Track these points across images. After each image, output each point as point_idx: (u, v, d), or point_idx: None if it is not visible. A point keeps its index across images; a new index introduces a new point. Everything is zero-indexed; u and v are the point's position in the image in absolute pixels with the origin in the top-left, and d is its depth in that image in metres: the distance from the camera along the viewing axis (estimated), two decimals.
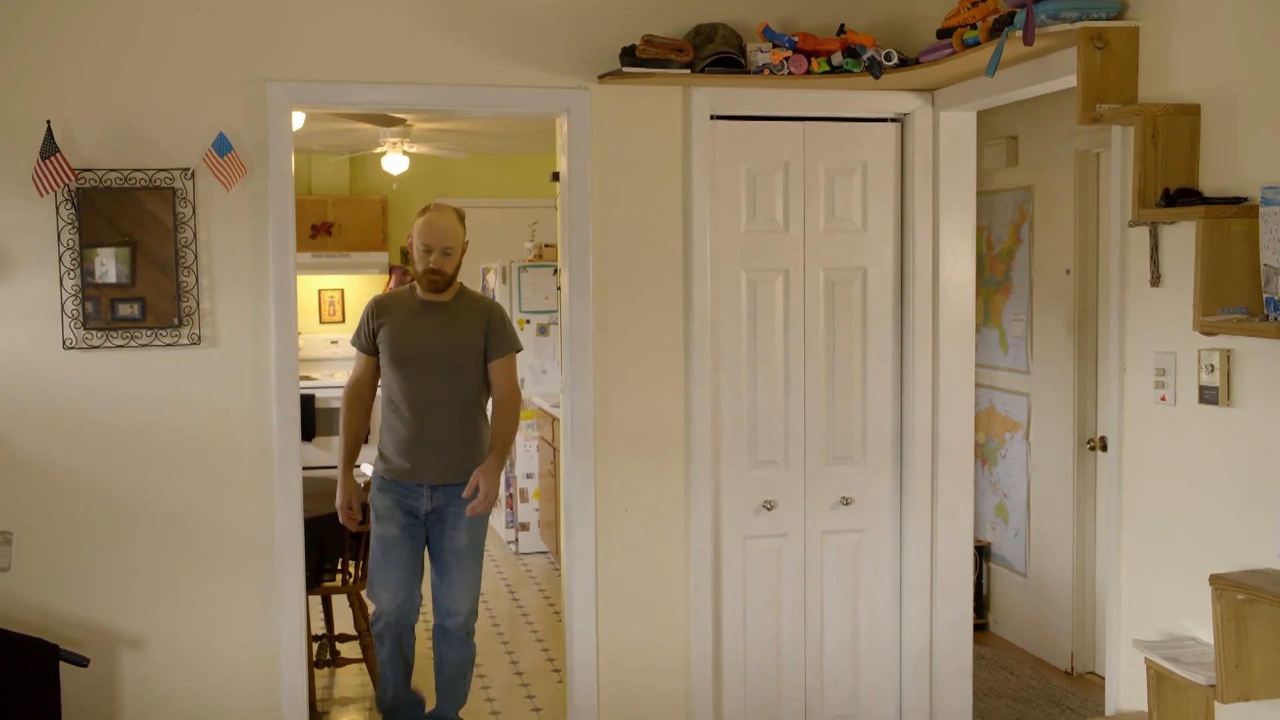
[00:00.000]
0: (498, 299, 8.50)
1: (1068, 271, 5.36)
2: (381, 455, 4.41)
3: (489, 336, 4.35)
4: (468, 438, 4.35)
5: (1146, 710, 3.15)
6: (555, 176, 4.47)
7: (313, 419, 9.20)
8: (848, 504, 4.48)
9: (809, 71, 4.07)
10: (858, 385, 4.48)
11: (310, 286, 9.72)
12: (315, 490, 4.99)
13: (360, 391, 4.53)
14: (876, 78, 4.03)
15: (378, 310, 4.45)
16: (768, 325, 4.39)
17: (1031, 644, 5.69)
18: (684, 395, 4.29)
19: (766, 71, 4.06)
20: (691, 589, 4.32)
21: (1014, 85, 3.90)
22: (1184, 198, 3.01)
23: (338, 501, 4.47)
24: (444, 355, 4.32)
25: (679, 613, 4.33)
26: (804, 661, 4.49)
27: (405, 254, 9.94)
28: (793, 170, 4.39)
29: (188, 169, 3.88)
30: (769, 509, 4.41)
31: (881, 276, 4.48)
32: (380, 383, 4.47)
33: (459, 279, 4.44)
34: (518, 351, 4.45)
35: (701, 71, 4.04)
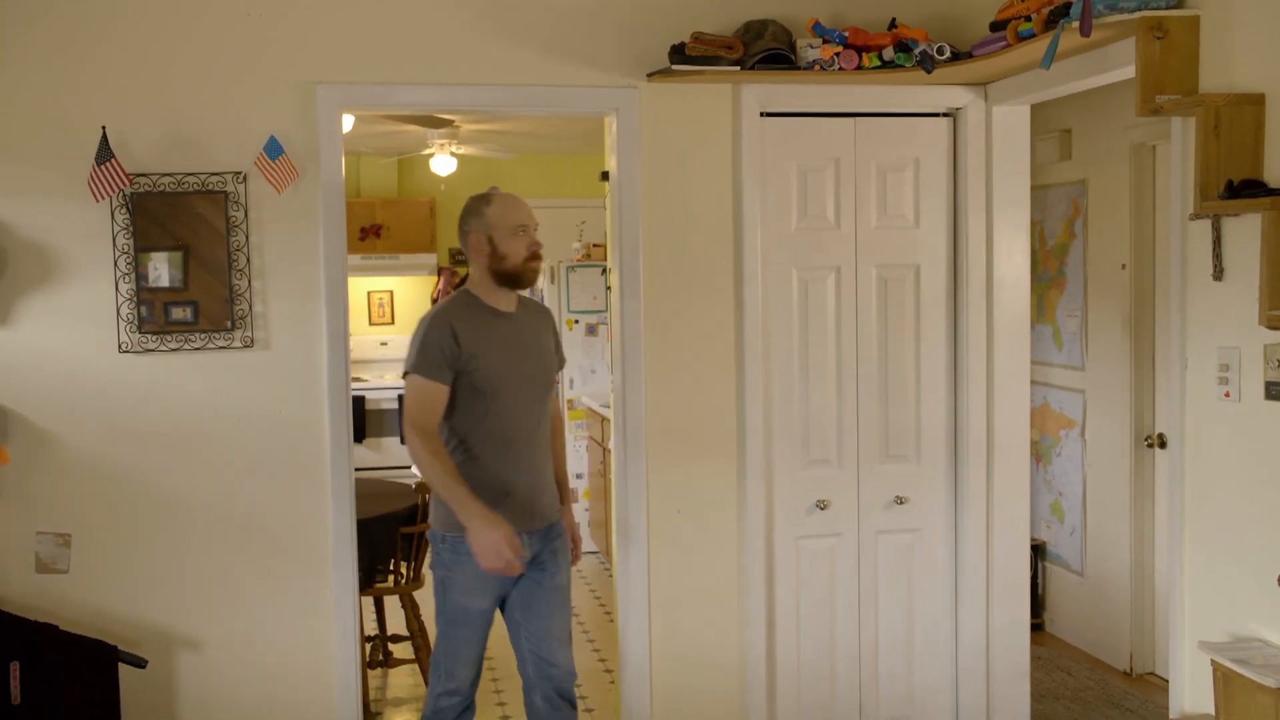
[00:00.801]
0: (546, 300, 8.52)
1: (1123, 266, 5.28)
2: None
3: (557, 350, 3.84)
4: (549, 473, 3.75)
5: (1213, 713, 3.10)
6: (604, 176, 4.46)
7: (363, 421, 9.25)
8: (902, 503, 4.44)
9: (860, 67, 4.03)
10: (911, 383, 4.43)
11: (360, 288, 9.77)
12: (367, 491, 5.01)
13: (438, 432, 3.53)
14: (929, 72, 3.98)
15: (460, 328, 3.53)
16: (820, 323, 4.35)
17: (1089, 644, 5.61)
18: (736, 394, 4.26)
19: (817, 67, 4.02)
20: (745, 589, 4.29)
21: (1070, 78, 3.83)
22: (1249, 189, 2.95)
23: (495, 555, 3.38)
24: (535, 377, 3.67)
25: (732, 613, 4.30)
26: (858, 661, 4.45)
27: (456, 256, 9.98)
28: (844, 167, 4.35)
29: (240, 173, 3.90)
30: (822, 508, 4.37)
31: (934, 273, 4.43)
32: (454, 419, 3.56)
33: None
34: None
35: (751, 68, 4.01)
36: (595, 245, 8.42)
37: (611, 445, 4.46)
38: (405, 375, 3.52)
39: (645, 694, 4.25)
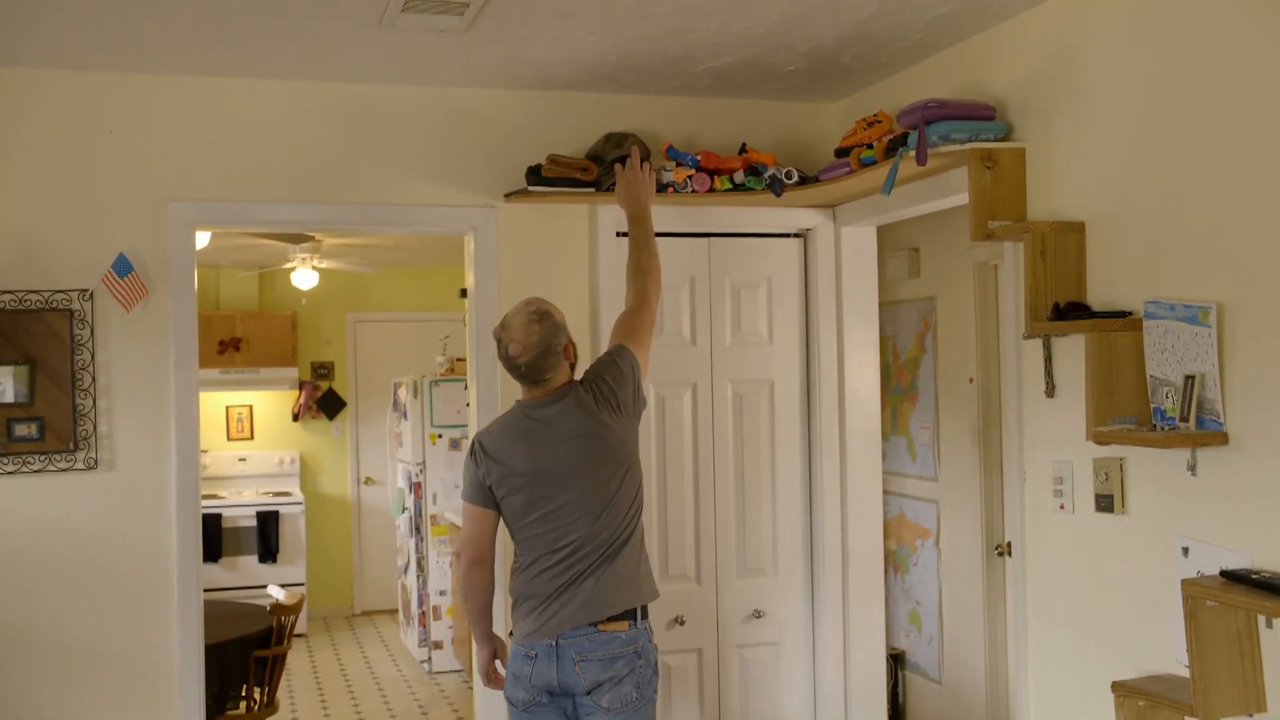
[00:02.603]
0: (408, 415, 8.45)
1: (971, 380, 5.47)
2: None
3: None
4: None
5: None
6: (464, 293, 4.48)
7: (219, 539, 8.98)
8: (760, 617, 4.47)
9: (712, 189, 4.16)
10: (767, 496, 4.50)
11: (218, 403, 9.56)
12: (220, 613, 4.87)
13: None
14: (778, 195, 4.13)
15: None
16: (676, 438, 4.41)
17: None
18: None
19: (671, 190, 4.14)
20: None
21: (911, 202, 4.02)
22: (1073, 311, 3.11)
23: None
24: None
25: None
26: None
27: (317, 370, 9.84)
28: (699, 285, 4.46)
29: (86, 290, 3.83)
30: (681, 624, 4.38)
31: (788, 388, 4.54)
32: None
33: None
34: None
35: (607, 190, 4.10)
36: (459, 359, 8.41)
37: None
38: (636, 363, 3.49)
39: None
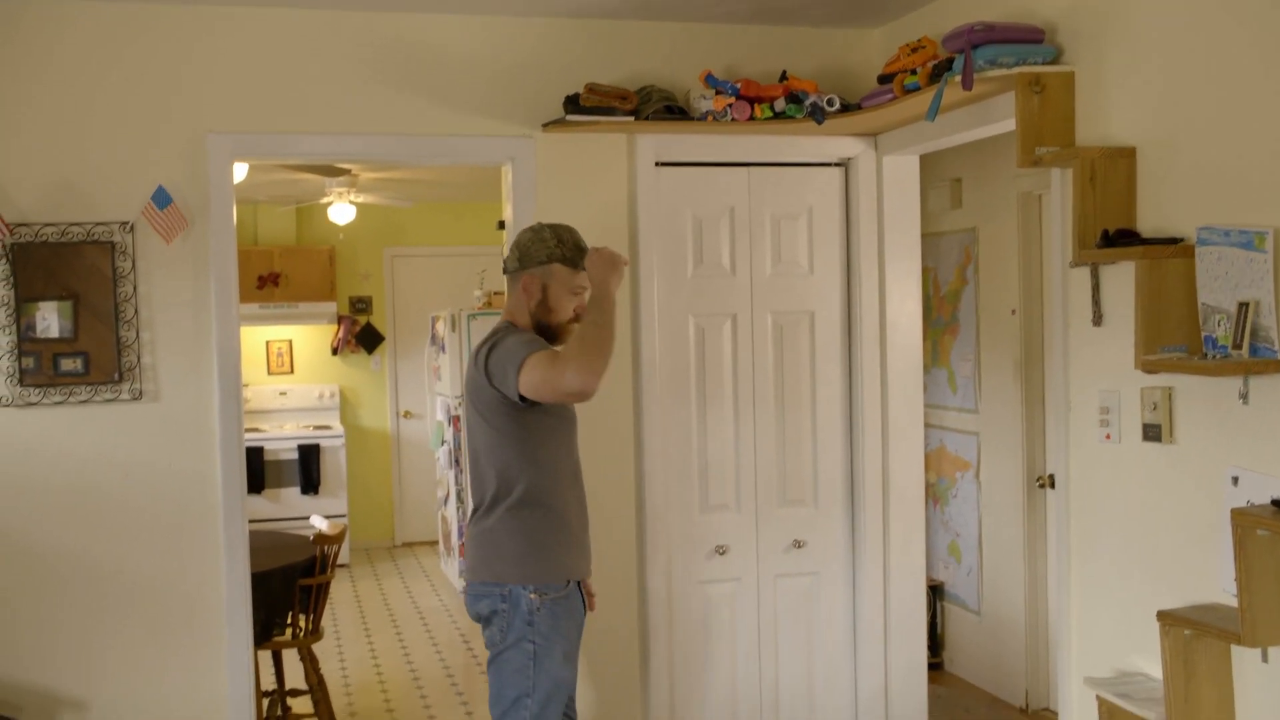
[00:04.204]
0: (446, 349, 8.47)
1: (1013, 312, 5.41)
2: (564, 557, 3.24)
3: None
4: None
5: None
6: (501, 225, 4.47)
7: (261, 472, 9.08)
8: (800, 547, 4.48)
9: (752, 117, 4.11)
10: (807, 427, 4.48)
11: (258, 337, 9.62)
12: (264, 544, 4.93)
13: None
14: (819, 123, 4.07)
15: None
16: (717, 369, 4.39)
17: (987, 682, 5.69)
18: (634, 441, 4.28)
19: (710, 118, 4.09)
20: (646, 633, 4.29)
21: (955, 129, 3.95)
22: (1123, 239, 3.06)
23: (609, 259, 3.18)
24: (575, 415, 3.43)
25: (633, 657, 4.29)
26: (760, 705, 4.46)
27: (356, 305, 9.89)
28: (739, 215, 4.41)
29: (127, 223, 3.83)
30: (721, 553, 4.40)
31: (829, 319, 4.51)
32: (531, 455, 3.20)
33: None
34: None
35: (646, 118, 4.06)
36: (496, 293, 8.40)
37: None
38: (521, 369, 3.02)
39: None
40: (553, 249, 3.23)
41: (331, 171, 7.53)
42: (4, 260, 3.75)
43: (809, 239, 4.49)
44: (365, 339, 9.91)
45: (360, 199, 8.42)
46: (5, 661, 3.78)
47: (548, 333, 3.26)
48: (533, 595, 3.14)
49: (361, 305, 9.94)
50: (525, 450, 3.19)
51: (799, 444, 4.47)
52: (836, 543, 4.53)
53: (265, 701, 5.16)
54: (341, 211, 8.35)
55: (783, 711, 4.48)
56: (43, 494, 3.81)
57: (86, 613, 3.85)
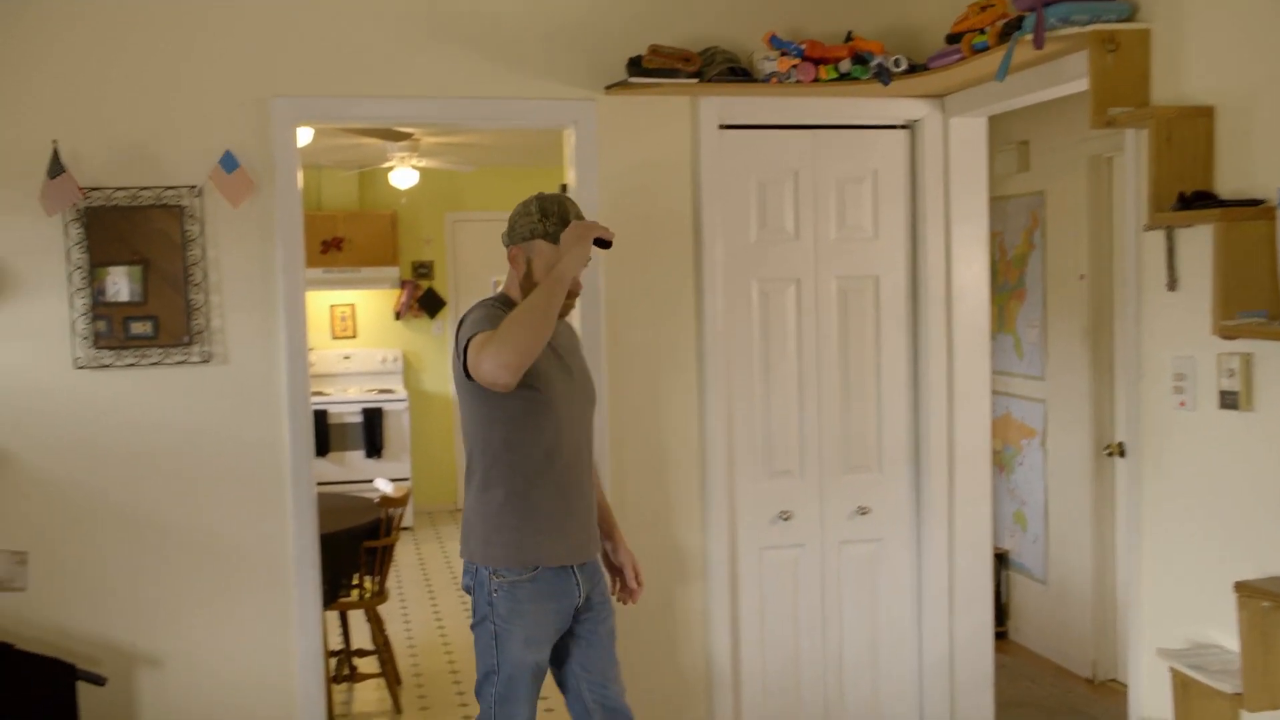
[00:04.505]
0: None
1: (1082, 277, 5.32)
2: (526, 541, 3.14)
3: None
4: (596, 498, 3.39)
5: (1172, 719, 3.11)
6: (563, 189, 4.45)
7: (326, 435, 9.19)
8: (864, 513, 4.45)
9: (817, 79, 4.05)
10: (872, 393, 4.45)
11: (322, 302, 9.71)
12: (329, 506, 4.98)
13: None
14: (885, 84, 4.01)
15: None
16: (780, 334, 4.36)
17: (1052, 651, 5.64)
18: (697, 405, 4.27)
19: (774, 80, 4.04)
20: (709, 599, 4.29)
21: (1024, 90, 3.87)
22: (1200, 201, 2.98)
23: (588, 230, 3.14)
24: (584, 390, 3.30)
25: (696, 624, 4.30)
26: (823, 672, 4.45)
27: (418, 270, 9.94)
28: (803, 179, 4.36)
29: (195, 186, 3.87)
30: (785, 519, 4.38)
31: (894, 284, 4.45)
32: (497, 441, 3.15)
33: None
34: None
35: (709, 80, 4.02)
36: None
37: None
38: (467, 349, 2.96)
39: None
40: (535, 224, 3.16)
41: (393, 136, 7.55)
42: (78, 224, 3.80)
43: (874, 203, 4.44)
44: (427, 304, 9.97)
45: (422, 163, 8.44)
46: (84, 618, 3.86)
47: None
48: (493, 577, 3.12)
49: (424, 270, 9.99)
50: (493, 431, 3.12)
51: (863, 410, 4.44)
52: (901, 509, 4.50)
53: (333, 661, 5.25)
54: (404, 176, 8.38)
55: (846, 678, 4.47)
56: (117, 454, 3.88)
57: (161, 571, 3.92)
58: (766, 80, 4.04)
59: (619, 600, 3.47)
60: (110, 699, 3.85)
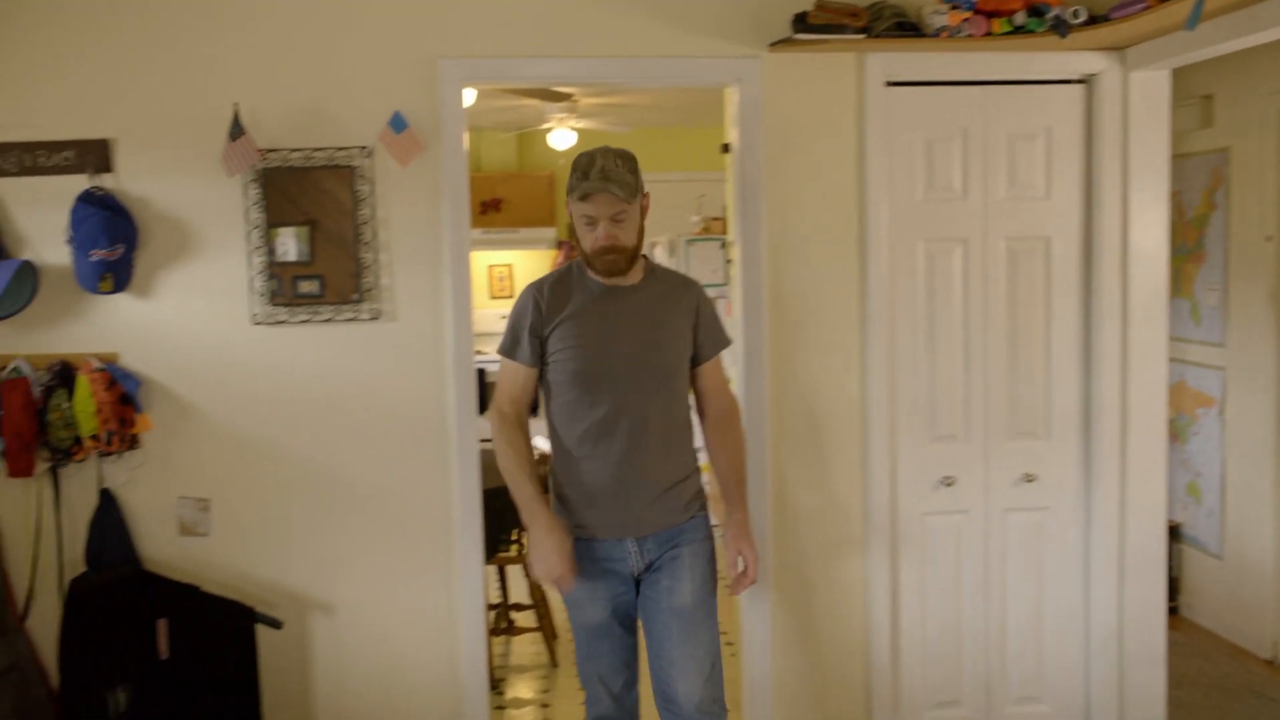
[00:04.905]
0: None
1: (1269, 238, 5.06)
2: (571, 507, 3.27)
3: (699, 329, 3.30)
4: (685, 468, 3.30)
5: None
6: (725, 148, 4.41)
7: (484, 393, 9.36)
8: (1030, 480, 4.33)
9: (989, 33, 3.92)
10: (1041, 358, 4.31)
11: (480, 262, 9.87)
12: (489, 463, 5.07)
13: (522, 419, 3.33)
14: (1063, 37, 3.85)
15: (546, 303, 3.26)
16: (946, 296, 4.26)
17: (1228, 629, 5.42)
18: (859, 367, 4.20)
19: (944, 34, 3.92)
20: (868, 564, 4.24)
21: (1214, 40, 3.67)
22: None
23: (544, 565, 3.16)
24: (649, 360, 3.21)
25: (855, 589, 4.25)
26: (985, 641, 4.36)
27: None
28: (971, 137, 4.24)
29: (365, 147, 3.95)
30: (948, 485, 4.29)
31: (1066, 245, 4.30)
32: (548, 408, 3.33)
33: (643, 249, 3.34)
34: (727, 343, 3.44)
35: (876, 36, 3.92)
36: (714, 218, 8.38)
37: None
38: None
39: (766, 666, 4.23)
40: (569, 183, 3.18)
41: (552, 97, 7.61)
42: (256, 184, 3.93)
43: (1046, 161, 4.28)
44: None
45: (580, 124, 8.49)
46: (262, 564, 4.02)
47: (590, 264, 3.23)
48: None
49: None
50: (549, 400, 3.32)
51: (1031, 374, 4.31)
52: (1070, 477, 4.36)
53: (491, 614, 5.36)
54: (562, 137, 8.45)
55: (1009, 648, 4.37)
56: (291, 408, 4.01)
57: (332, 522, 4.05)
58: (936, 35, 3.93)
59: (727, 589, 3.37)
60: (285, 641, 4.01)
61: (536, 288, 3.29)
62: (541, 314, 3.24)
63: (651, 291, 3.28)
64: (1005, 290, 4.28)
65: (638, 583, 3.28)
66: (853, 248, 4.18)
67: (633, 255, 3.21)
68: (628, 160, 3.17)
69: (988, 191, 4.26)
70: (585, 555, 3.23)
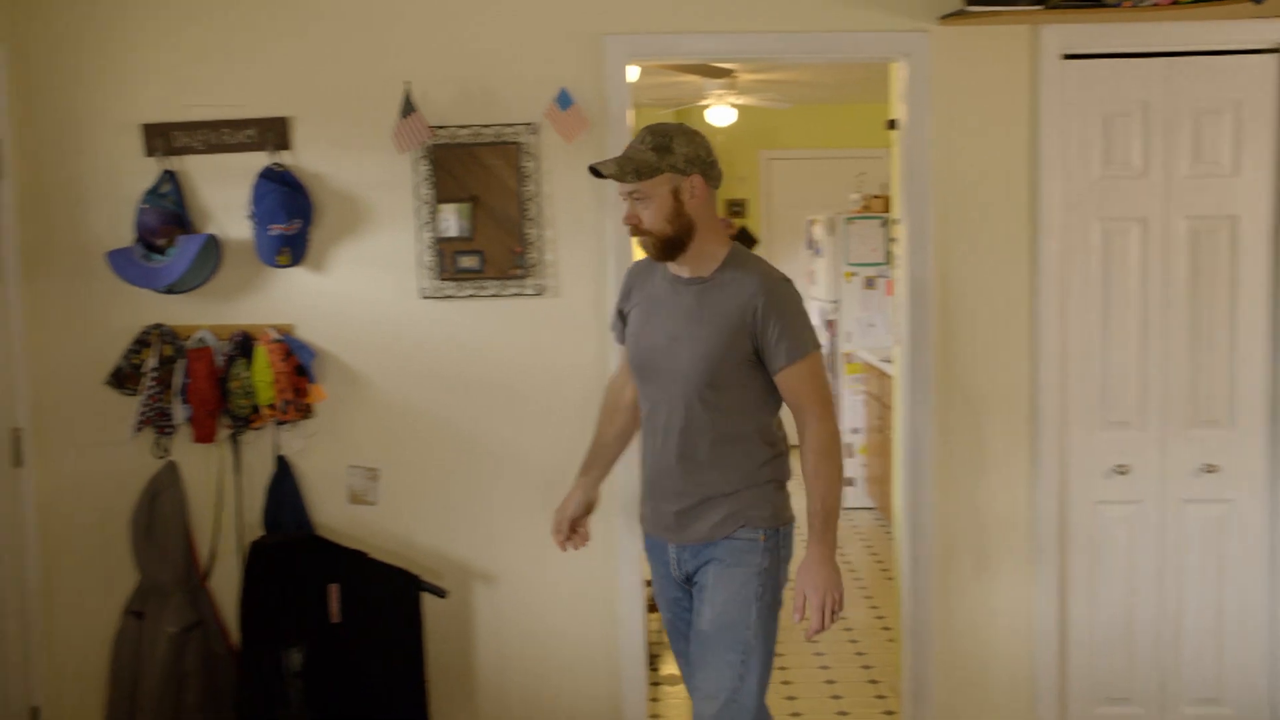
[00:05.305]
0: (822, 253, 8.40)
1: None
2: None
3: (758, 334, 2.91)
4: (727, 483, 3.00)
5: None
6: (892, 124, 4.33)
7: None
8: (1211, 471, 4.14)
9: (1175, 1, 3.74)
10: (1225, 342, 4.11)
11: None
12: None
13: (616, 386, 3.36)
14: (1257, 3, 3.66)
15: (629, 285, 3.21)
16: (1122, 277, 4.10)
17: None
18: (1029, 350, 4.08)
19: (1126, 3, 3.76)
20: (1036, 553, 4.12)
21: None
22: None
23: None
24: (681, 360, 2.97)
25: (1022, 578, 4.14)
26: (1158, 637, 4.20)
27: (733, 208, 9.99)
28: (1152, 111, 4.06)
29: (531, 124, 3.99)
30: (1121, 473, 4.14)
31: (1255, 225, 4.09)
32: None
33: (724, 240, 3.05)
34: (813, 352, 2.95)
35: (1054, 7, 3.79)
36: (874, 196, 8.24)
37: (897, 401, 4.36)
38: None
39: (930, 655, 4.16)
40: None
41: (712, 73, 7.57)
42: (425, 161, 4.01)
43: (1234, 136, 4.07)
44: (740, 242, 10.00)
45: (739, 101, 8.44)
46: (427, 533, 4.12)
47: None
48: None
49: (736, 208, 10.03)
50: None
51: (1213, 360, 4.12)
52: (1255, 469, 4.15)
53: (647, 590, 5.39)
54: (721, 114, 8.41)
55: (1186, 645, 4.19)
56: (457, 381, 4.09)
57: (495, 494, 4.11)
58: (1117, 4, 3.77)
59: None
60: (449, 609, 4.11)
61: (631, 268, 3.23)
62: (625, 295, 3.21)
63: (710, 287, 2.97)
64: (1186, 271, 4.10)
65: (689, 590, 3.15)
66: (1023, 227, 4.05)
67: (669, 242, 2.94)
68: (660, 137, 2.92)
69: (1169, 168, 4.08)
70: (646, 548, 3.26)
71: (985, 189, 4.05)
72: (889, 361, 6.78)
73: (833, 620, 2.89)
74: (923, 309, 4.07)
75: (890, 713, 4.60)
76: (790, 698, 4.80)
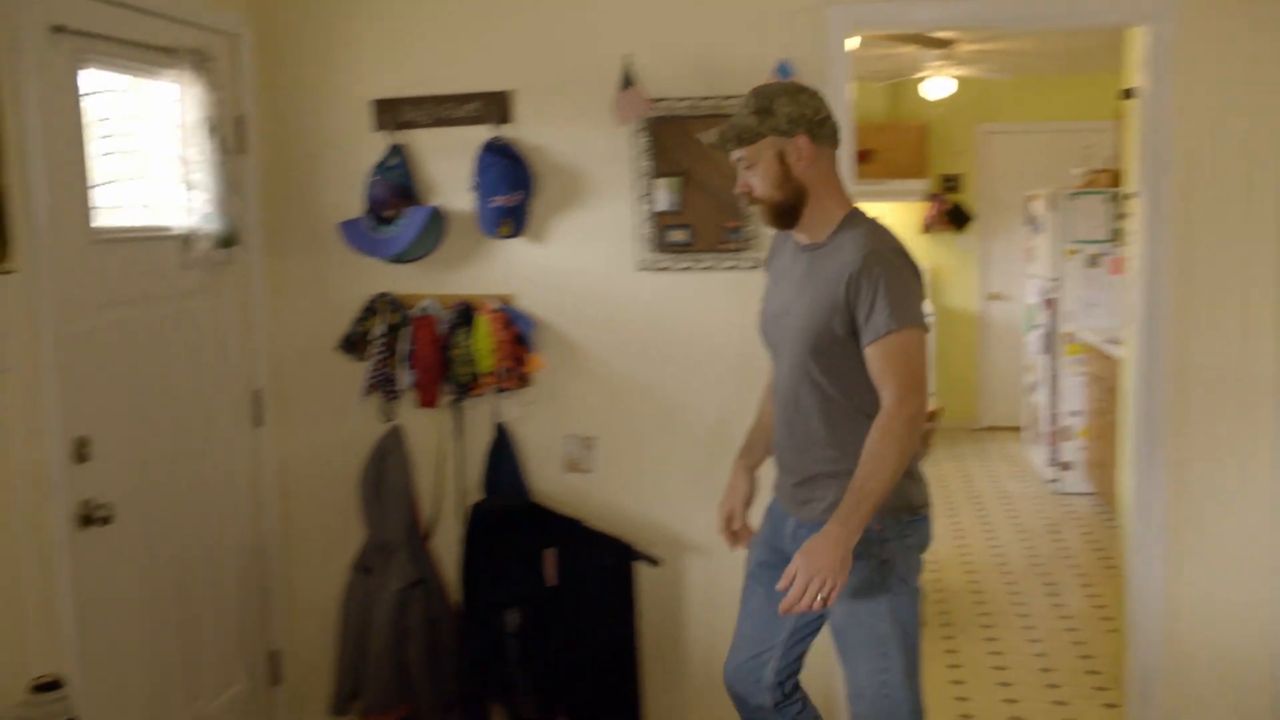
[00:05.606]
0: (1043, 229, 8.10)
1: None
2: None
3: (851, 305, 2.73)
4: (830, 463, 2.84)
5: None
6: (1128, 93, 4.12)
7: None
8: None
9: None
10: None
11: None
12: None
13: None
14: None
15: (771, 252, 3.13)
16: None
17: None
18: (1276, 335, 3.83)
19: None
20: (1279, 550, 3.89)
21: None
22: None
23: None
24: (790, 334, 2.88)
25: (1262, 571, 3.91)
26: None
27: (947, 183, 9.73)
28: None
29: None
30: None
31: None
32: None
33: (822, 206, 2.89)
34: (904, 329, 2.71)
35: None
36: (1098, 171, 7.89)
37: (1125, 384, 4.16)
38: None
39: (1157, 647, 3.97)
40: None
41: (930, 43, 7.38)
42: (644, 133, 4.03)
43: None
44: (954, 218, 9.75)
45: (956, 73, 8.20)
46: (641, 503, 4.16)
47: None
48: None
49: (951, 183, 9.77)
50: None
51: None
52: None
53: None
54: (937, 86, 8.20)
55: None
56: (671, 353, 4.10)
57: (707, 467, 4.07)
58: None
59: None
60: (662, 578, 4.14)
61: (777, 234, 3.08)
62: (768, 264, 3.12)
63: (820, 254, 2.85)
64: None
65: None
66: (1272, 205, 3.80)
67: (782, 208, 2.83)
68: (762, 99, 2.78)
69: None
70: (770, 509, 3.15)
71: (1233, 162, 3.81)
72: (1114, 343, 6.49)
73: (822, 606, 2.64)
74: (1158, 288, 3.87)
75: (1112, 705, 4.42)
76: (1004, 684, 4.67)
